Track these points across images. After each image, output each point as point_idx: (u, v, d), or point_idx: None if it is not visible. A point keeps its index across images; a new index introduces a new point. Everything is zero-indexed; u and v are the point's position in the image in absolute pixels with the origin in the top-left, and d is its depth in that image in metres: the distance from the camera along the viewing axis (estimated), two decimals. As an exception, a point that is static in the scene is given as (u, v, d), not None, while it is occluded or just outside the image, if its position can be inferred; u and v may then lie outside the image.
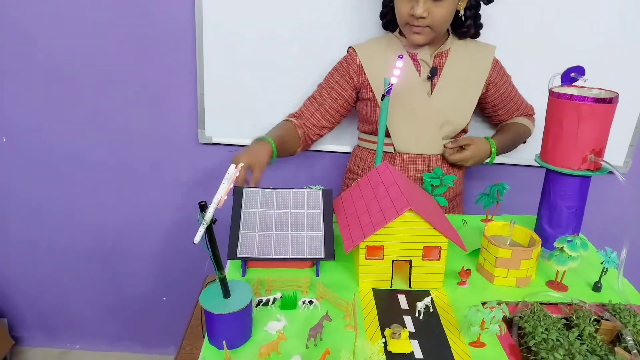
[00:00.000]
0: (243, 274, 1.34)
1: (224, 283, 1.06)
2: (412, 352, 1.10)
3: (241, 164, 1.22)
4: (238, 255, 1.30)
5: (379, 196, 1.35)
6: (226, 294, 1.07)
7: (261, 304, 1.20)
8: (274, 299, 1.22)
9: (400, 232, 1.26)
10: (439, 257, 1.29)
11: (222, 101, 2.17)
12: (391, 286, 1.32)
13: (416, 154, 1.77)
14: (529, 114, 2.04)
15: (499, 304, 1.10)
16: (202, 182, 2.29)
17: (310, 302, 1.21)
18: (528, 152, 2.16)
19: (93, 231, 2.45)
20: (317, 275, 1.36)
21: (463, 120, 1.78)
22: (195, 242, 0.96)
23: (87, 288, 2.56)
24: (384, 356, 0.96)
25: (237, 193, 1.40)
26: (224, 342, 1.00)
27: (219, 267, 1.03)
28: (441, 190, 1.66)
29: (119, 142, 2.29)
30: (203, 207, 0.95)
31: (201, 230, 0.96)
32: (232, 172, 0.95)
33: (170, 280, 2.42)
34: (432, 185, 1.65)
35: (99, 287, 2.56)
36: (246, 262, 1.35)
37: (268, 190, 1.43)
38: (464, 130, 1.88)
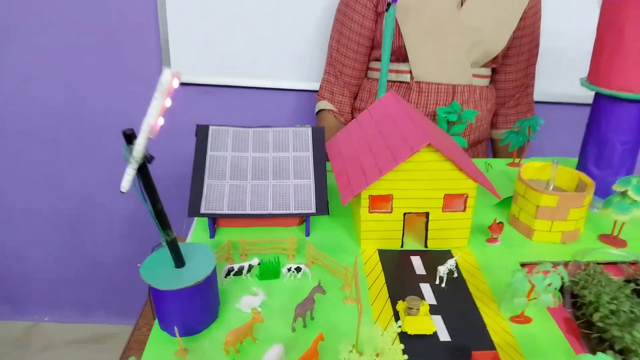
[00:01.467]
0: (211, 236, 1.04)
1: (173, 248, 0.76)
2: (435, 333, 0.82)
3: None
4: (202, 211, 0.99)
5: (386, 132, 1.03)
6: (178, 262, 0.77)
7: (232, 273, 0.91)
8: (250, 267, 0.92)
9: (414, 177, 0.95)
10: (464, 207, 0.99)
11: (189, 32, 1.82)
12: (402, 246, 1.03)
13: (438, 84, 1.43)
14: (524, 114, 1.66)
15: (555, 266, 0.81)
16: (172, 130, 1.96)
17: (298, 270, 0.92)
18: (564, 85, 1.82)
19: (56, 192, 2.14)
20: (307, 235, 1.06)
21: (497, 43, 1.43)
22: (123, 189, 0.65)
23: (53, 255, 2.28)
24: (401, 346, 0.67)
25: (201, 133, 1.08)
26: (176, 328, 0.71)
27: (164, 225, 0.73)
28: (459, 129, 1.34)
29: (76, 86, 1.94)
30: (129, 138, 0.64)
31: (130, 173, 0.65)
32: (167, 80, 0.63)
33: (143, 243, 2.13)
34: (448, 121, 1.33)
35: (66, 254, 2.28)
36: (215, 220, 1.05)
37: (242, 129, 1.11)
38: (495, 60, 1.55)
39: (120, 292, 2.33)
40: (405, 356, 0.64)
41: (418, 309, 0.83)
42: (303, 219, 1.10)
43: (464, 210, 1.00)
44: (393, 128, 1.02)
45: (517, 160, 1.39)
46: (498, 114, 1.62)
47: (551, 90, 1.84)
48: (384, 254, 1.01)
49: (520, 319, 0.84)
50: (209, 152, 1.06)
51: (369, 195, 0.97)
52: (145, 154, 0.66)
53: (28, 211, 2.18)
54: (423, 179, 0.96)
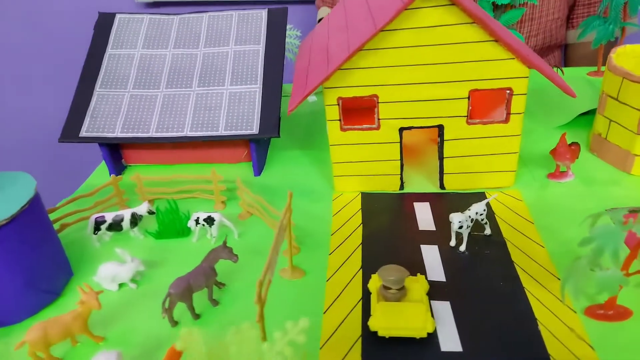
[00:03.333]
0: (112, 171, 0.69)
1: None
2: (432, 336, 0.43)
3: None
4: (83, 133, 0.65)
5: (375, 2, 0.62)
6: None
7: (104, 226, 0.55)
8: (134, 217, 0.56)
9: (414, 58, 0.54)
10: (507, 115, 0.57)
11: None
12: (401, 188, 0.63)
13: None
14: None
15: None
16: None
17: (209, 221, 0.55)
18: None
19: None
20: (257, 174, 0.69)
21: None
22: None
23: None
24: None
25: (101, 24, 0.73)
26: None
27: None
28: (514, 17, 0.87)
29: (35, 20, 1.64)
30: None
31: None
32: None
33: None
34: (494, 5, 0.87)
35: None
36: (120, 151, 0.70)
37: (163, 17, 0.74)
38: None
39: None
40: None
41: (399, 291, 0.44)
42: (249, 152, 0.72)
43: (507, 120, 0.57)
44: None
45: (603, 67, 0.91)
46: (577, 4, 1.10)
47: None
48: (369, 201, 0.62)
49: (608, 311, 0.43)
50: (108, 51, 0.71)
51: (338, 98, 0.57)
52: None
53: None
54: (430, 63, 0.54)
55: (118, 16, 0.74)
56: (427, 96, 0.56)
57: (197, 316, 0.46)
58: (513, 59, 0.54)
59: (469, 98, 0.56)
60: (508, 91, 0.55)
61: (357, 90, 0.57)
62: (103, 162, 0.74)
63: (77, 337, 0.44)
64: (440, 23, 0.52)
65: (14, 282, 0.45)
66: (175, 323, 0.45)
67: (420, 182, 0.64)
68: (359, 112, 0.59)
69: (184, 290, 0.44)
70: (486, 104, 0.58)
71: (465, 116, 0.57)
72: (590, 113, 0.73)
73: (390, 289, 0.44)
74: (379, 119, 0.58)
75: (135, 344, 0.44)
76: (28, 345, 0.41)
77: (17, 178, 0.47)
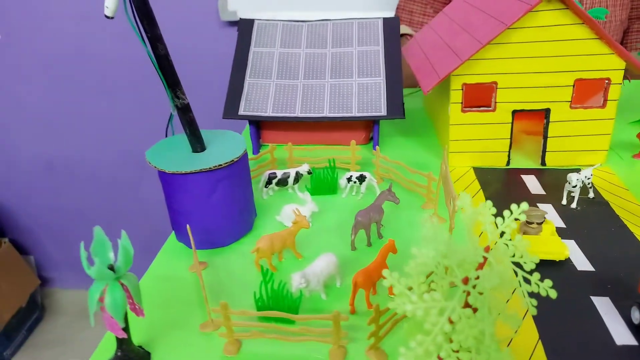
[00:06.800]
0: (255, 151, 0.82)
1: (187, 119, 0.54)
2: (568, 260, 0.53)
3: None
4: (241, 112, 0.78)
5: (485, 4, 0.75)
6: (196, 142, 0.56)
7: (274, 181, 0.68)
8: (298, 175, 0.69)
9: (530, 51, 0.67)
10: (605, 101, 0.69)
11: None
12: (508, 164, 0.75)
13: None
14: None
15: None
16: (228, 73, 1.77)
17: (361, 179, 0.67)
18: None
19: (120, 149, 2.04)
20: (376, 148, 0.81)
21: None
22: (107, 12, 0.45)
23: (115, 218, 2.21)
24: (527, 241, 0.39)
25: (243, 27, 0.87)
26: (188, 228, 0.49)
27: (171, 81, 0.52)
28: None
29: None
30: None
31: None
32: None
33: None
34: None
35: (130, 217, 2.19)
36: (258, 130, 0.83)
37: (294, 23, 0.88)
38: None
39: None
40: (536, 256, 0.36)
41: (540, 225, 0.55)
42: (370, 136, 0.85)
43: (604, 105, 0.69)
44: (496, -4, 0.74)
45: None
46: (630, 30, 1.24)
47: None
48: (481, 174, 0.74)
49: None
50: (252, 49, 0.85)
51: (463, 84, 0.70)
52: (134, -45, 0.45)
53: (89, 168, 2.11)
54: (544, 56, 0.67)
55: (257, 21, 0.88)
56: (539, 83, 0.69)
57: (370, 244, 0.57)
58: (612, 54, 0.66)
59: (573, 86, 0.68)
60: (607, 81, 0.68)
61: (480, 77, 0.69)
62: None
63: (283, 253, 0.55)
64: (555, 23, 0.65)
65: (231, 211, 0.57)
66: (355, 248, 0.57)
67: (524, 159, 0.76)
68: (479, 93, 0.72)
69: (367, 219, 0.56)
70: (587, 91, 0.70)
71: (569, 101, 0.69)
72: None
73: (532, 223, 0.55)
74: (495, 102, 0.71)
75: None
76: (257, 253, 0.52)
77: (229, 135, 0.60)
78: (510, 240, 0.37)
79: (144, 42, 0.49)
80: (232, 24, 1.64)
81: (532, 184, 0.70)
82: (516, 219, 0.35)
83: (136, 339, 0.44)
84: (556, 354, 0.43)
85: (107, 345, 0.45)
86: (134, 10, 0.47)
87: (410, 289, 0.35)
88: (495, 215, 0.37)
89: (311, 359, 0.43)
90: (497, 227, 0.38)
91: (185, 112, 0.53)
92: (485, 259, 0.36)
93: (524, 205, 0.39)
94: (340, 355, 0.42)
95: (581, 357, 0.42)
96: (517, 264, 0.36)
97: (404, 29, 1.35)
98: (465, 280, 0.35)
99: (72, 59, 1.82)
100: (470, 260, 0.36)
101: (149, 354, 0.44)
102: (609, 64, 0.66)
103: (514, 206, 0.39)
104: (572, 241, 0.57)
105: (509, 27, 0.65)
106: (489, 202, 0.38)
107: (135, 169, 2.16)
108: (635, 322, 0.45)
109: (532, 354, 0.43)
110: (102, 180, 2.20)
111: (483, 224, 0.37)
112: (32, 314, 2.14)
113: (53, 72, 1.89)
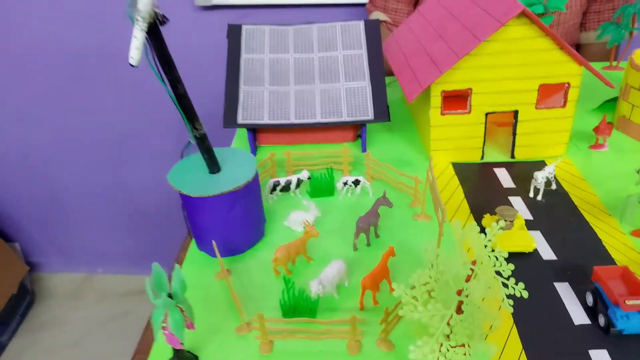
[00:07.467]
0: (252, 153, 0.89)
1: (204, 147, 0.60)
2: (535, 251, 0.64)
3: None
4: (240, 121, 0.84)
5: (459, 12, 0.82)
6: (212, 165, 0.62)
7: (278, 188, 0.75)
8: (299, 181, 0.77)
9: (501, 62, 0.75)
10: (565, 101, 0.78)
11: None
12: (482, 158, 0.84)
13: None
14: None
15: None
16: (204, 59, 1.78)
17: (356, 183, 0.75)
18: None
19: (95, 134, 2.04)
20: (364, 150, 0.89)
21: None
22: (132, 61, 0.49)
23: (97, 203, 2.23)
24: (504, 253, 0.49)
25: (232, 33, 0.91)
26: (214, 243, 0.56)
27: (189, 115, 0.57)
28: (545, 23, 1.09)
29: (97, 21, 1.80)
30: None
31: (137, 36, 0.49)
32: None
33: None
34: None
35: (111, 200, 2.22)
36: (255, 133, 0.90)
37: (280, 27, 0.93)
38: None
39: (172, 241, 2.27)
40: (511, 265, 0.46)
41: (512, 221, 0.65)
42: (358, 134, 0.92)
43: (564, 105, 0.79)
44: (469, 4, 0.81)
45: (615, 62, 1.14)
46: (589, 11, 1.33)
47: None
48: (459, 168, 0.83)
49: (651, 232, 0.65)
50: (243, 55, 0.90)
51: (442, 92, 0.78)
52: (156, 12, 0.50)
53: (67, 155, 2.11)
54: (512, 65, 0.75)
55: (244, 27, 0.92)
56: (508, 88, 0.77)
57: (369, 244, 0.66)
58: (572, 61, 0.75)
59: (538, 90, 0.77)
60: (567, 84, 0.77)
61: (457, 84, 0.77)
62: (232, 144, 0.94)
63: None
64: (523, 36, 0.73)
65: (247, 223, 0.64)
66: (356, 248, 0.66)
67: (496, 154, 0.86)
68: (456, 99, 0.80)
69: (366, 224, 0.64)
70: (550, 94, 0.79)
71: (534, 103, 0.78)
72: (611, 101, 0.95)
73: (506, 220, 0.65)
74: (471, 106, 0.79)
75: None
76: (273, 260, 0.60)
77: (240, 154, 0.66)
78: (493, 251, 0.47)
79: (165, 83, 0.54)
80: (207, 8, 1.64)
81: (504, 177, 0.80)
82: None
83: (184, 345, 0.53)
84: (527, 336, 0.54)
85: (159, 349, 0.53)
86: (155, 57, 0.53)
87: (415, 298, 0.45)
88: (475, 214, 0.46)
89: (332, 353, 0.53)
90: (482, 240, 0.47)
91: (203, 142, 0.59)
92: (472, 270, 0.46)
93: (502, 223, 0.48)
94: (356, 348, 0.52)
95: (546, 337, 0.53)
96: (498, 272, 0.46)
97: (379, 15, 1.40)
98: (459, 292, 0.44)
99: (43, 51, 1.79)
100: (461, 274, 0.45)
101: (196, 357, 0.52)
102: (568, 70, 0.75)
103: (494, 224, 0.48)
104: (538, 232, 0.68)
105: (482, 41, 0.72)
106: (475, 224, 0.47)
107: (112, 151, 2.17)
108: (590, 304, 0.56)
109: (507, 338, 0.54)
110: (79, 165, 2.21)
111: (470, 242, 0.47)
112: (23, 299, 2.18)
113: (29, 65, 1.86)
